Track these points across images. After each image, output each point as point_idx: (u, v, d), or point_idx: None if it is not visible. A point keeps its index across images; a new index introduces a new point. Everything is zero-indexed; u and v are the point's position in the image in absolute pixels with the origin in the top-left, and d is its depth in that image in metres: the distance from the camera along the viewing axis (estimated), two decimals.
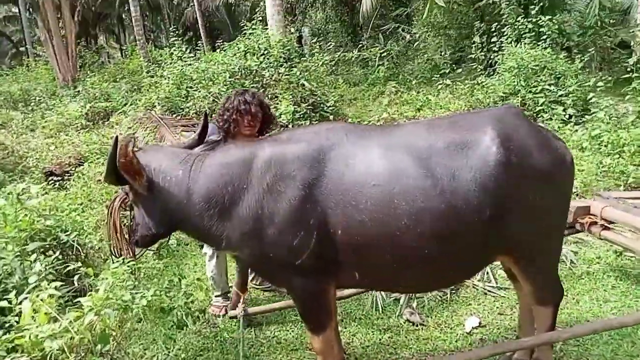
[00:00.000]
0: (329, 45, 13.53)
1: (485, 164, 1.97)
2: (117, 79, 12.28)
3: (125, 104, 10.07)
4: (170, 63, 8.78)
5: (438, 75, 11.54)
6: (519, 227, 2.05)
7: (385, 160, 2.04)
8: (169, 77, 8.20)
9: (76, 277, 3.18)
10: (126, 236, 2.55)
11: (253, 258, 2.28)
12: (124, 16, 25.35)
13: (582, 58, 7.47)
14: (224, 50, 9.46)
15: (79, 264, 3.25)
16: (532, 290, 2.27)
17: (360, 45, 13.76)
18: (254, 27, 8.91)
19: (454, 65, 9.36)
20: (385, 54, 11.43)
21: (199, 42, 14.58)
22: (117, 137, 2.16)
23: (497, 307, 3.17)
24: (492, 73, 8.13)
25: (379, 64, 12.10)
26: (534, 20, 7.88)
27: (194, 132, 7.80)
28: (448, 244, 2.01)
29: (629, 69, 6.67)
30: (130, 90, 11.59)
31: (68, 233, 3.59)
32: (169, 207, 2.33)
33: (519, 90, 7.21)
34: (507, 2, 8.56)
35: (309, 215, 2.07)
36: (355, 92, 11.37)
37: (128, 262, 2.64)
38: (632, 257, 3.57)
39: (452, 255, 2.06)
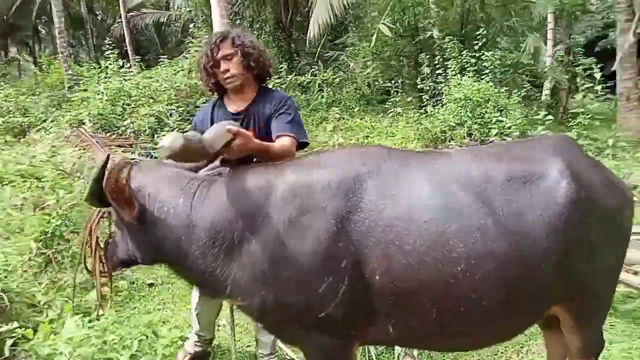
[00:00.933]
0: None
1: (554, 200, 1.71)
2: (36, 93, 11.10)
3: (44, 120, 9.06)
4: (106, 77, 8.03)
5: (377, 104, 11.84)
6: (583, 272, 1.80)
7: (437, 193, 1.73)
8: (103, 93, 7.46)
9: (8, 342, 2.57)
10: (102, 254, 2.14)
11: (264, 309, 1.84)
12: (39, 27, 23.50)
13: (519, 93, 7.92)
14: (163, 67, 8.91)
15: (14, 324, 2.62)
16: (579, 341, 2.00)
17: (298, 71, 13.71)
18: (199, 45, 8.47)
19: (402, 94, 9.52)
20: (326, 80, 11.41)
21: (125, 59, 13.71)
22: (108, 155, 1.74)
23: (502, 353, 2.97)
24: (436, 103, 8.35)
25: (318, 89, 12.09)
26: (476, 55, 8.25)
27: (131, 152, 7.08)
28: (510, 295, 1.72)
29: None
30: (50, 105, 10.52)
31: None
32: (163, 243, 1.91)
33: (466, 120, 7.44)
34: (450, 38, 8.93)
35: (341, 256, 1.70)
36: None
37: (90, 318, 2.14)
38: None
39: (511, 307, 1.76)
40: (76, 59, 21.91)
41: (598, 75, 6.57)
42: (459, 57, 8.57)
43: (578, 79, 9.76)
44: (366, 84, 12.35)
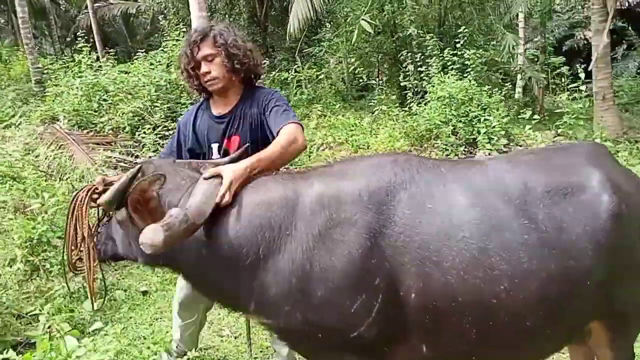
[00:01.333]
0: None
1: (596, 214, 1.64)
2: (1, 86, 10.52)
3: (12, 116, 8.59)
4: (80, 71, 7.65)
5: (355, 100, 11.81)
6: (623, 289, 1.75)
7: (476, 206, 1.65)
8: (78, 87, 7.11)
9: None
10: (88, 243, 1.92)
11: (291, 328, 1.74)
12: None
13: (500, 91, 8.04)
14: (140, 62, 8.57)
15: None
16: (612, 357, 1.94)
17: (275, 67, 13.52)
18: (177, 38, 8.19)
19: (385, 91, 9.51)
20: (308, 77, 11.29)
21: (93, 52, 13.13)
22: (141, 166, 1.60)
23: None
24: (420, 101, 8.38)
25: (297, 85, 11.96)
26: (459, 53, 8.31)
27: (111, 150, 6.79)
28: (552, 313, 1.65)
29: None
30: (16, 99, 9.98)
31: None
32: (181, 254, 1.79)
33: (451, 119, 7.48)
34: (430, 36, 8.96)
35: (374, 273, 1.61)
36: None
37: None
38: None
39: (553, 326, 1.70)
40: (39, 50, 20.98)
41: (583, 75, 6.71)
42: (440, 55, 8.62)
43: (561, 78, 10.11)
44: (346, 80, 12.32)
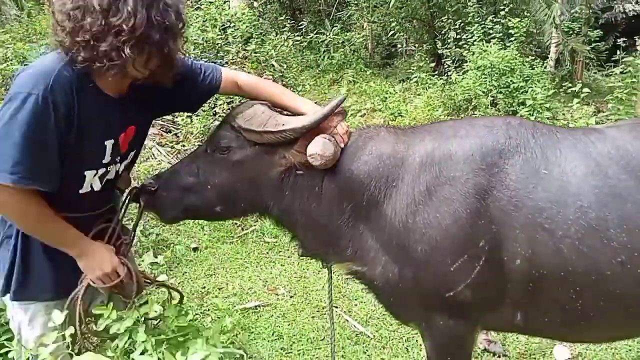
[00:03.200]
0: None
1: None
2: (32, 40, 10.43)
3: None
4: None
5: (386, 67, 11.55)
6: None
7: (595, 175, 1.60)
8: None
9: None
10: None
11: (386, 280, 1.75)
12: None
13: (542, 63, 7.79)
14: None
15: None
16: None
17: (301, 31, 13.23)
18: None
19: (425, 59, 9.25)
20: (340, 41, 11.03)
21: None
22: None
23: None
24: (457, 71, 8.15)
25: (324, 49, 11.71)
26: (502, 21, 8.01)
27: None
28: None
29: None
30: (45, 54, 9.93)
31: None
32: (282, 199, 1.83)
33: (491, 89, 7.29)
34: (472, 3, 8.63)
35: (480, 236, 1.60)
36: (307, 78, 10.87)
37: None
38: None
39: None
40: None
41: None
42: (482, 22, 8.32)
43: (597, 53, 9.73)
44: (375, 47, 12.03)
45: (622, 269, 1.55)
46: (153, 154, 5.36)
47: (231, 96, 6.34)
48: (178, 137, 5.91)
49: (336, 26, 12.15)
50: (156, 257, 3.18)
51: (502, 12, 8.13)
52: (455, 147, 1.70)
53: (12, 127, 1.39)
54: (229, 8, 8.28)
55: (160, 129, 6.05)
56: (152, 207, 1.90)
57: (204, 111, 6.33)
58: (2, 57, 8.84)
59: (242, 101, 1.94)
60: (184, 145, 5.38)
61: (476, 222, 1.60)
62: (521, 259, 1.60)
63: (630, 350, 2.73)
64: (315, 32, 12.16)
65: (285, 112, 1.86)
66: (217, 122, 6.05)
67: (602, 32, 11.03)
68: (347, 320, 3.12)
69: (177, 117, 6.29)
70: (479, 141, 1.70)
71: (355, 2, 11.58)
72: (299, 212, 1.83)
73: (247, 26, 7.61)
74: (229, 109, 6.28)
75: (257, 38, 7.63)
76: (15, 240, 1.61)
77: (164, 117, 6.35)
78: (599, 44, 10.93)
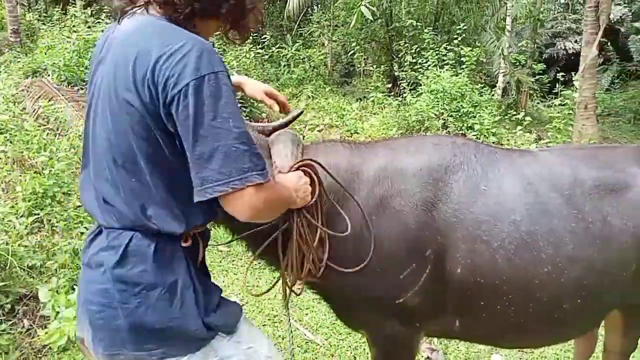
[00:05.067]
0: None
1: (639, 212, 1.78)
2: None
3: None
4: (72, 25, 7.34)
5: (341, 86, 11.87)
6: None
7: (528, 193, 1.77)
8: (72, 42, 6.84)
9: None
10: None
11: (341, 289, 1.82)
12: None
13: (490, 91, 8.29)
14: None
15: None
16: (622, 343, 2.14)
17: (262, 44, 13.36)
18: None
19: (382, 80, 9.58)
20: (303, 57, 11.23)
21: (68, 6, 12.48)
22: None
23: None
24: (412, 93, 8.51)
25: (285, 64, 11.87)
26: (455, 49, 8.47)
27: None
28: (587, 299, 1.78)
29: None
30: None
31: None
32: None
33: (442, 112, 7.66)
34: (428, 29, 9.09)
35: (426, 245, 1.71)
36: None
37: None
38: None
39: (585, 311, 1.84)
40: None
41: (561, 84, 6.97)
42: (437, 49, 8.76)
43: (540, 85, 10.44)
44: (333, 65, 12.33)
45: (548, 279, 1.72)
46: None
47: None
48: None
49: (298, 42, 12.37)
50: None
51: (455, 41, 8.59)
52: (406, 162, 1.82)
53: (224, 118, 1.11)
54: None
55: None
56: None
57: None
58: None
59: None
60: None
61: (423, 232, 1.72)
62: (461, 269, 1.72)
63: (557, 358, 2.96)
64: (277, 46, 12.32)
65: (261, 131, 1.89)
66: None
67: (545, 66, 11.90)
68: (298, 329, 3.18)
69: None
70: (427, 157, 1.83)
71: (317, 20, 11.84)
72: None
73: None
74: None
75: (219, 48, 7.66)
76: (187, 281, 1.29)
77: None
78: (542, 76, 11.73)
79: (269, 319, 3.28)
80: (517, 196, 1.77)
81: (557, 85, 10.30)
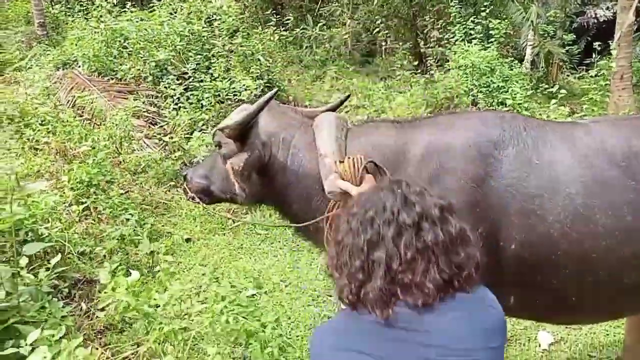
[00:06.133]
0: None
1: None
2: (8, 27, 10.15)
3: (22, 59, 8.34)
4: (99, 16, 7.41)
5: (367, 64, 11.68)
6: None
7: (582, 165, 1.72)
8: (99, 32, 6.92)
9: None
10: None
11: None
12: None
13: (520, 65, 8.05)
14: (152, 10, 8.37)
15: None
16: None
17: (284, 26, 13.23)
18: None
19: (408, 57, 9.41)
20: (321, 36, 11.10)
21: None
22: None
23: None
24: (439, 69, 8.34)
25: (307, 45, 11.76)
26: (483, 22, 8.24)
27: (134, 99, 6.59)
28: None
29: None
30: (22, 41, 9.66)
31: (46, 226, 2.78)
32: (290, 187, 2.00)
33: (472, 89, 7.49)
34: (454, 3, 8.83)
35: (478, 222, 1.67)
36: (292, 74, 10.90)
37: None
38: None
39: None
40: None
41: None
42: (464, 23, 8.53)
43: (571, 56, 10.06)
44: (359, 43, 12.15)
45: (606, 252, 1.68)
46: (141, 146, 5.33)
47: (218, 90, 6.35)
48: (165, 129, 5.89)
49: (320, 22, 12.21)
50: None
51: (483, 14, 8.34)
52: (452, 139, 1.80)
53: None
54: (215, 1, 8.24)
55: (146, 121, 6.01)
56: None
57: (190, 104, 6.33)
58: None
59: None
60: (171, 137, 5.36)
61: (474, 210, 1.69)
62: (516, 245, 1.70)
63: (607, 334, 2.92)
64: (298, 27, 12.20)
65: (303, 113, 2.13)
66: (204, 115, 6.12)
67: (574, 36, 11.45)
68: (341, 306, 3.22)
69: (163, 110, 6.26)
70: (474, 134, 1.80)
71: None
72: (298, 209, 2.00)
73: (233, 19, 7.60)
74: (218, 102, 6.30)
75: (243, 32, 7.63)
76: None
77: (149, 109, 6.33)
78: (572, 47, 11.30)
79: (312, 299, 3.32)
80: (571, 169, 1.73)
81: (591, 56, 9.91)
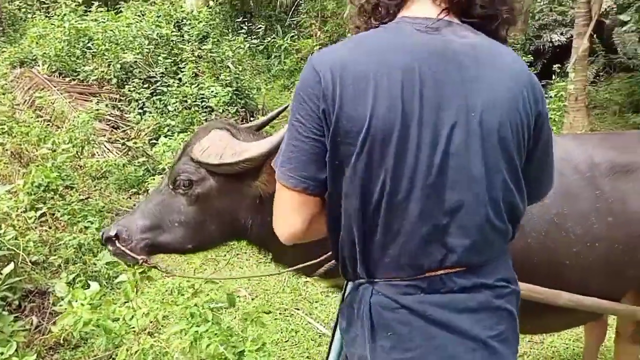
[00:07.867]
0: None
1: None
2: None
3: None
4: (63, 14, 7.13)
5: None
6: None
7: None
8: (61, 31, 6.66)
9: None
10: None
11: None
12: None
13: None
14: (119, 12, 8.15)
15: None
16: (636, 326, 2.15)
17: (254, 35, 13.17)
18: None
19: None
20: (286, 46, 11.14)
21: None
22: None
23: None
24: None
25: (276, 54, 11.75)
26: None
27: (98, 102, 6.35)
28: (611, 277, 1.84)
29: None
30: None
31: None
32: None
33: None
34: None
35: None
36: (261, 82, 10.82)
37: None
38: None
39: (609, 290, 1.87)
40: None
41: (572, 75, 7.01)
42: None
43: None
44: None
45: (576, 259, 1.78)
46: (102, 150, 5.14)
47: (184, 95, 6.21)
48: (128, 133, 5.71)
49: (290, 32, 12.24)
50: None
51: None
52: None
53: None
54: (185, 5, 8.12)
55: (109, 124, 5.81)
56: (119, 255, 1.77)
57: (156, 109, 6.17)
58: None
59: (201, 127, 1.81)
60: (135, 142, 5.20)
61: None
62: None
63: (567, 348, 3.01)
64: (267, 36, 12.17)
65: (253, 133, 1.78)
66: (169, 120, 5.97)
67: (532, 58, 11.97)
68: (310, 323, 3.17)
69: (127, 114, 6.08)
70: None
71: (306, 10, 11.73)
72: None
73: (203, 25, 7.50)
74: (185, 107, 6.16)
75: (213, 38, 7.53)
76: None
77: (112, 113, 6.12)
78: (530, 68, 11.78)
79: (280, 313, 3.26)
80: None
81: (548, 77, 10.38)
